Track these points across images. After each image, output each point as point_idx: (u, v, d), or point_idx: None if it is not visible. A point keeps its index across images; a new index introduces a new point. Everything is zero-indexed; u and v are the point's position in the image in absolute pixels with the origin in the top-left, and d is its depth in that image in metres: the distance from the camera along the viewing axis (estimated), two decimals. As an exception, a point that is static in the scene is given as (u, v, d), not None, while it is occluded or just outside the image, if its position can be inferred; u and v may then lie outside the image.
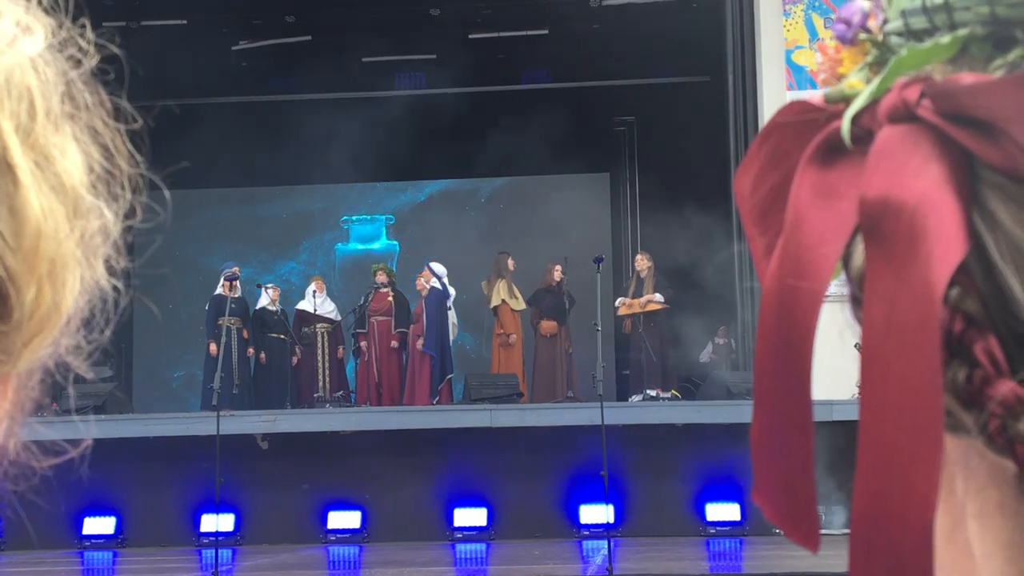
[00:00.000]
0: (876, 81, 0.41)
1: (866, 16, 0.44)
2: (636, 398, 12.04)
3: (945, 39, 0.40)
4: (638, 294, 12.70)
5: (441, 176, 16.58)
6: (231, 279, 11.22)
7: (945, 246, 0.37)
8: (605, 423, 7.94)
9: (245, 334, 13.17)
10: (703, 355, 13.25)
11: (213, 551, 8.58)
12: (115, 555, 10.72)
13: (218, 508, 8.99)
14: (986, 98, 0.37)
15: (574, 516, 10.77)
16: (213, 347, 11.01)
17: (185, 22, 14.52)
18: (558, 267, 13.11)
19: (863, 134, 0.40)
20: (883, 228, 0.38)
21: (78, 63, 0.44)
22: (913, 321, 0.37)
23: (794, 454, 0.41)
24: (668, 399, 11.83)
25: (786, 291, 0.40)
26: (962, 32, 0.40)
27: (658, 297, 12.59)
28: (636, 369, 12.71)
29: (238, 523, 10.95)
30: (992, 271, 0.38)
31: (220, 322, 11.20)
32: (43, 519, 10.79)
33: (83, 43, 0.44)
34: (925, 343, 0.37)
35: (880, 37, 0.44)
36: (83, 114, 0.44)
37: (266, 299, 13.50)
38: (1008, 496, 0.39)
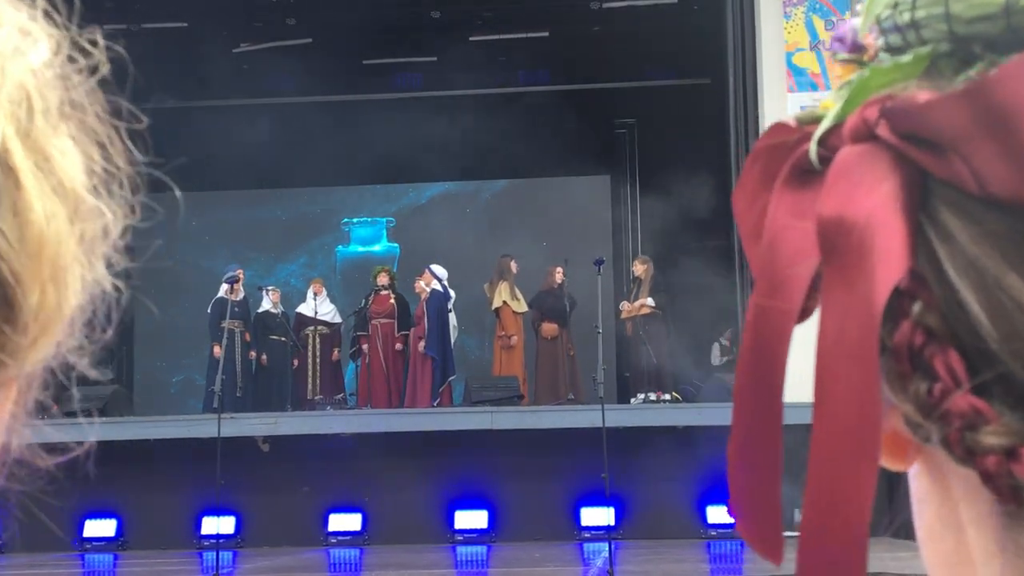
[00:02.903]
0: (841, 103, 0.42)
1: (857, 34, 0.45)
2: (637, 400, 12.04)
3: (907, 58, 0.41)
4: (636, 298, 12.72)
5: (442, 178, 16.56)
6: (231, 282, 11.21)
7: (887, 264, 0.38)
8: (606, 425, 7.94)
9: (247, 337, 13.17)
10: (714, 358, 13.22)
11: (214, 553, 8.58)
12: (116, 557, 10.72)
13: (219, 510, 8.99)
14: (934, 116, 0.38)
15: (575, 518, 10.77)
16: (217, 350, 11.02)
17: (186, 24, 14.52)
18: (559, 269, 13.11)
19: (831, 155, 0.41)
20: (837, 245, 0.39)
21: (77, 64, 0.44)
22: (857, 335, 0.38)
23: (761, 470, 0.42)
24: (668, 401, 11.82)
25: (760, 312, 0.42)
26: (924, 50, 0.41)
27: (649, 301, 12.60)
28: (637, 371, 12.71)
29: (239, 525, 10.95)
30: (949, 286, 0.39)
31: (223, 325, 11.17)
32: (44, 521, 10.79)
33: (84, 43, 0.44)
34: (865, 357, 0.38)
35: (873, 54, 0.44)
36: (81, 114, 0.44)
37: (268, 302, 13.51)
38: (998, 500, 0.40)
